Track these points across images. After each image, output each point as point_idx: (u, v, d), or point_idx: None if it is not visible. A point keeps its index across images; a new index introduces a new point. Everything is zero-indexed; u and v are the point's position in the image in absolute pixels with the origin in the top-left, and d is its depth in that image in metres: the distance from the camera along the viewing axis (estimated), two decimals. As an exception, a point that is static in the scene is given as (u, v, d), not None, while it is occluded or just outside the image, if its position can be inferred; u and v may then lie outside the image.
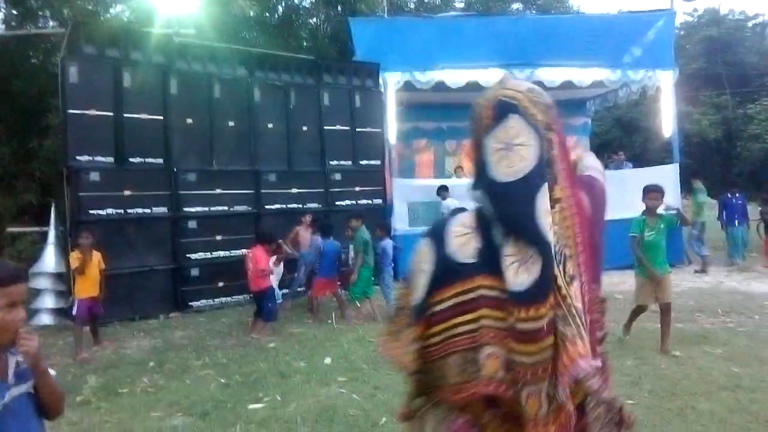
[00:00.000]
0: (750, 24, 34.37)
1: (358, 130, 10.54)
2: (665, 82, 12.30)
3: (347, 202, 10.24)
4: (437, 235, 1.43)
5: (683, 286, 9.06)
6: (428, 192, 10.86)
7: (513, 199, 1.33)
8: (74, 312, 6.42)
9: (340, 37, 15.46)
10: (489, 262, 1.32)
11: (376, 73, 10.91)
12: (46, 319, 7.80)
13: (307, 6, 18.95)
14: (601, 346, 1.43)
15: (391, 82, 11.34)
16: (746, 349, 5.75)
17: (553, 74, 11.75)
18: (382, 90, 11.17)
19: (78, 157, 7.87)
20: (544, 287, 1.27)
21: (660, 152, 16.51)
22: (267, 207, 9.42)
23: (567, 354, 1.25)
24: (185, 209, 8.67)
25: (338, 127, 10.33)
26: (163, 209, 8.49)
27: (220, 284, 8.79)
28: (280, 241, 7.96)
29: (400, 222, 10.82)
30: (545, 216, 1.30)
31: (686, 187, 12.15)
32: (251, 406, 4.65)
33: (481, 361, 1.30)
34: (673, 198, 9.71)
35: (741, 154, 28.33)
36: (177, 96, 8.72)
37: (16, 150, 11.80)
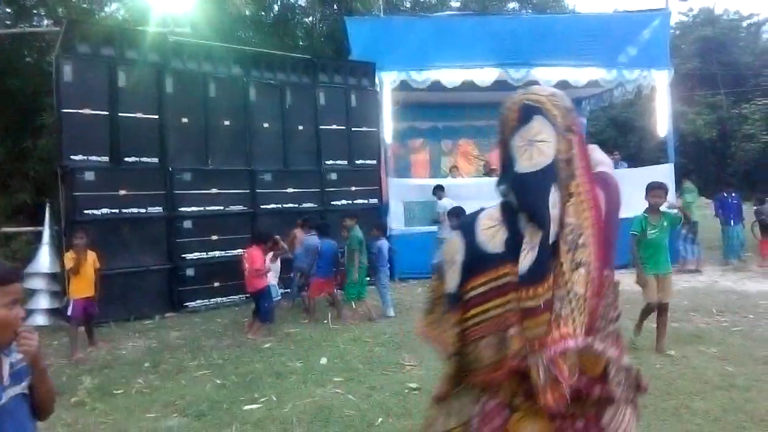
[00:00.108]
0: (744, 24, 34.51)
1: (353, 129, 10.54)
2: (660, 82, 12.32)
3: (343, 201, 10.23)
4: (467, 228, 1.59)
5: (678, 285, 9.06)
6: (424, 191, 10.86)
7: (531, 188, 1.49)
8: (69, 312, 6.40)
9: (336, 36, 15.45)
10: (515, 251, 1.47)
11: (372, 72, 10.90)
12: (40, 319, 7.76)
13: (302, 5, 18.91)
14: (617, 323, 1.57)
15: (387, 81, 11.34)
16: (741, 349, 5.78)
17: (549, 74, 11.76)
18: (378, 89, 11.16)
19: (73, 157, 7.84)
20: (541, 270, 1.43)
21: (655, 152, 16.55)
22: (263, 207, 9.41)
23: (558, 331, 1.39)
24: (180, 209, 8.65)
25: (334, 126, 10.33)
26: (158, 209, 8.47)
27: (216, 284, 8.77)
28: (276, 237, 7.93)
29: (396, 222, 10.83)
30: (554, 206, 1.46)
31: (681, 187, 12.18)
32: (247, 407, 4.65)
33: (509, 339, 1.46)
34: (668, 197, 9.72)
35: (735, 154, 28.45)
36: (172, 95, 8.70)
37: (10, 149, 11.74)
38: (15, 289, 1.84)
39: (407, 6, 20.69)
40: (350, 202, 10.28)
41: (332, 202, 10.16)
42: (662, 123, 12.57)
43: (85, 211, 7.81)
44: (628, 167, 13.81)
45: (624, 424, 1.55)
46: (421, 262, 10.18)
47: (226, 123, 9.24)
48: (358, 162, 10.59)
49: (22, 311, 1.87)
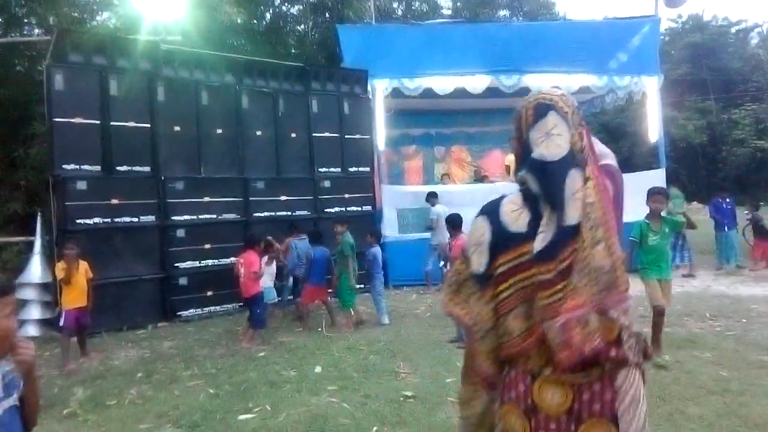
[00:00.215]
0: (733, 30, 34.83)
1: (346, 136, 10.54)
2: (651, 88, 12.42)
3: (336, 209, 10.22)
4: (492, 212, 1.77)
5: (672, 290, 9.09)
6: (417, 198, 10.88)
7: (551, 174, 1.67)
8: (61, 323, 6.35)
9: (328, 43, 15.49)
10: (537, 231, 1.66)
11: (364, 79, 10.92)
12: (32, 330, 7.69)
13: (294, 13, 18.98)
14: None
15: (380, 88, 11.37)
16: (734, 353, 5.79)
17: (540, 80, 11.77)
18: (371, 96, 11.19)
19: (64, 166, 7.80)
20: (554, 249, 1.61)
21: (646, 157, 16.65)
22: (255, 215, 9.38)
23: (572, 301, 1.59)
24: (173, 218, 8.62)
25: (327, 133, 10.33)
26: (150, 218, 8.43)
27: (209, 293, 8.73)
28: (270, 238, 7.90)
29: (389, 228, 10.82)
30: (572, 191, 1.64)
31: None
32: (241, 417, 4.61)
33: (535, 309, 1.65)
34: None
35: (726, 159, 28.66)
36: (164, 103, 8.68)
37: (1, 159, 11.67)
38: (12, 299, 1.85)
39: (399, 14, 20.81)
40: (344, 209, 10.27)
41: (326, 210, 10.15)
42: (653, 128, 12.65)
43: (77, 221, 7.76)
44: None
45: (635, 385, 1.73)
46: (415, 269, 10.22)
47: (219, 131, 9.22)
48: (351, 169, 10.60)
49: (16, 322, 1.88)
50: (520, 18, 26.33)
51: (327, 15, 18.01)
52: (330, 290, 8.03)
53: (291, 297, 8.52)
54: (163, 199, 8.54)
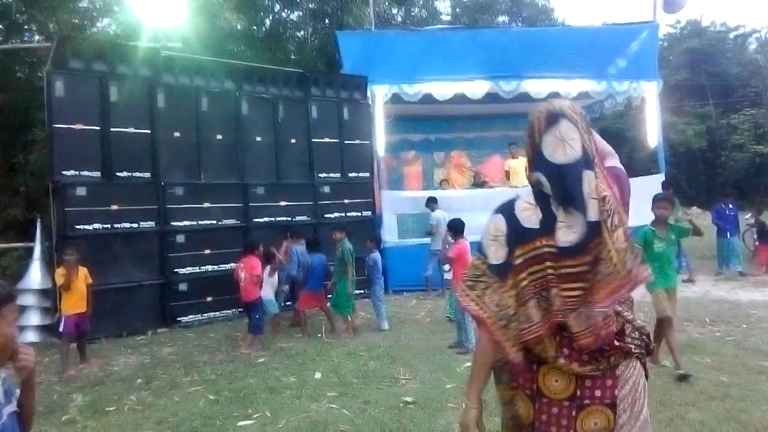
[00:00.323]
0: (731, 35, 34.90)
1: (346, 142, 10.56)
2: (650, 93, 12.45)
3: (336, 214, 10.23)
4: (507, 210, 1.92)
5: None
6: (417, 204, 10.88)
7: (567, 177, 1.81)
8: (61, 328, 6.35)
9: (328, 50, 15.54)
10: (548, 227, 1.81)
11: (363, 85, 10.95)
12: (31, 336, 7.68)
13: (294, 19, 19.04)
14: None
15: (379, 94, 11.40)
16: (734, 359, 5.79)
17: (540, 86, 11.87)
18: (370, 102, 11.22)
19: (64, 172, 7.81)
20: (584, 244, 1.75)
21: (646, 162, 16.65)
22: (255, 220, 9.39)
23: (605, 288, 1.74)
24: (173, 223, 8.62)
25: (326, 139, 10.35)
26: (150, 224, 8.43)
27: (209, 299, 8.73)
28: (273, 249, 7.92)
29: (389, 234, 10.82)
30: (589, 190, 1.78)
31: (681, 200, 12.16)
32: (241, 423, 4.61)
33: (551, 298, 1.79)
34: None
35: (725, 164, 28.69)
36: (164, 109, 8.69)
37: (1, 164, 11.68)
38: (15, 307, 1.87)
39: (398, 20, 20.85)
40: (343, 214, 10.28)
41: (325, 215, 10.16)
42: (652, 134, 12.68)
43: (77, 227, 7.77)
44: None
45: (635, 375, 1.88)
46: (415, 275, 10.21)
47: (219, 137, 9.24)
48: (351, 175, 10.61)
49: (17, 328, 1.89)
50: (519, 24, 26.39)
51: (326, 21, 18.08)
52: (329, 296, 8.00)
53: (288, 303, 8.48)
54: (162, 204, 8.54)
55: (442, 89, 11.70)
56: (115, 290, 7.92)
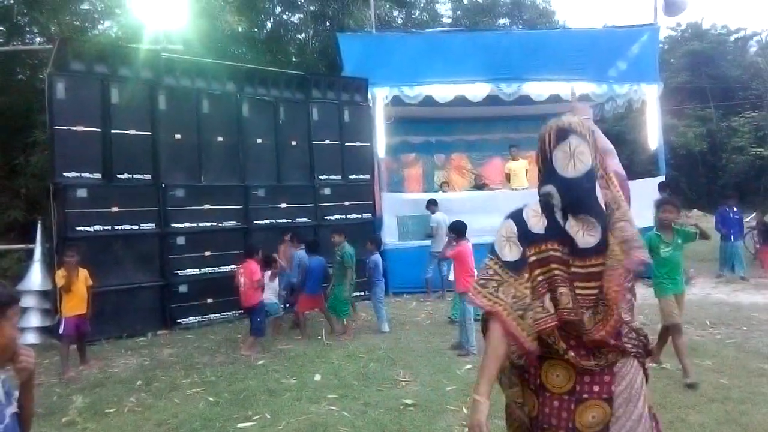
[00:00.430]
0: (732, 38, 34.89)
1: (347, 144, 10.57)
2: (650, 96, 12.44)
3: (337, 216, 10.23)
4: (517, 216, 2.09)
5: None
6: (417, 206, 10.87)
7: (580, 188, 1.99)
8: (61, 330, 6.35)
9: (329, 52, 15.56)
10: (554, 233, 2.00)
11: (364, 88, 10.96)
12: (31, 338, 7.67)
13: (295, 21, 19.08)
14: (631, 292, 2.07)
15: (380, 96, 11.40)
16: (735, 361, 5.78)
17: (540, 88, 11.87)
18: (371, 105, 11.22)
19: (65, 174, 7.82)
20: (603, 245, 1.96)
21: (646, 164, 16.62)
22: (256, 222, 9.40)
23: (614, 280, 1.94)
24: (173, 225, 8.62)
25: (327, 141, 10.35)
26: (151, 225, 8.43)
27: (209, 301, 8.73)
28: (274, 255, 7.92)
29: (389, 236, 10.81)
30: (601, 197, 2.00)
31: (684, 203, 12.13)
32: (241, 425, 4.61)
33: (558, 298, 1.97)
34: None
35: (726, 166, 28.65)
36: (165, 111, 8.70)
37: (2, 166, 11.70)
38: (18, 309, 1.88)
39: (399, 22, 20.89)
40: (344, 216, 10.29)
41: (326, 217, 10.16)
42: (653, 136, 12.67)
43: (78, 228, 7.77)
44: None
45: (631, 372, 2.03)
46: (415, 277, 10.20)
47: (220, 139, 9.25)
48: (351, 177, 10.61)
49: (18, 330, 1.90)
50: (520, 26, 26.43)
51: (327, 24, 18.11)
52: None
53: (287, 305, 8.45)
54: (163, 206, 8.55)
55: (443, 91, 11.70)
56: (116, 292, 7.92)
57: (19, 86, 12.37)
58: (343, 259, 7.63)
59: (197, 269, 8.75)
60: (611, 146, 2.28)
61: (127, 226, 8.20)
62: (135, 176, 8.38)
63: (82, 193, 7.86)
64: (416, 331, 7.75)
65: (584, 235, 1.96)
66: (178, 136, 8.80)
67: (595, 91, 12.28)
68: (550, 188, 2.05)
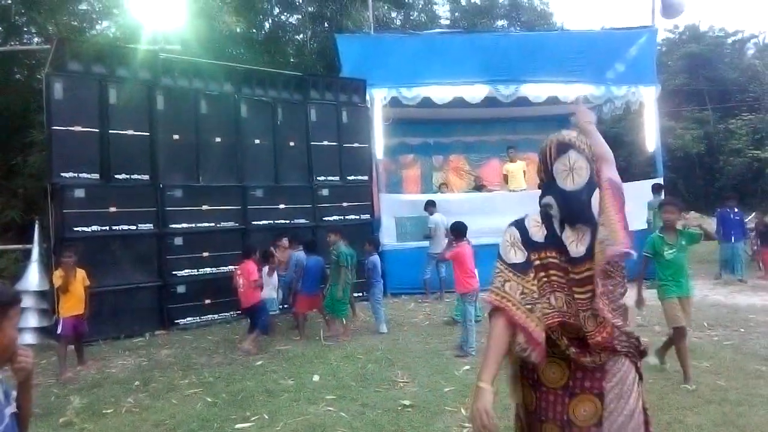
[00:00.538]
0: (729, 41, 34.93)
1: (345, 145, 10.57)
2: (648, 98, 12.47)
3: (335, 217, 10.23)
4: (519, 224, 2.24)
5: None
6: (415, 207, 10.89)
7: (577, 201, 2.14)
8: (58, 331, 6.33)
9: (327, 53, 15.55)
10: (553, 242, 2.15)
11: (362, 89, 10.96)
12: (29, 338, 7.65)
13: (293, 22, 19.07)
14: (623, 299, 2.18)
15: (378, 97, 11.41)
16: (732, 363, 5.79)
17: (538, 90, 11.90)
18: (369, 106, 11.22)
19: (63, 174, 7.80)
20: (590, 251, 2.10)
21: (644, 166, 16.65)
22: (254, 223, 9.39)
23: (595, 288, 2.07)
24: (171, 225, 8.61)
25: (325, 142, 10.36)
26: (148, 226, 8.42)
27: (207, 301, 8.72)
28: (271, 248, 7.89)
29: (387, 237, 10.83)
30: (596, 209, 2.13)
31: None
32: (238, 426, 4.60)
33: (553, 301, 2.11)
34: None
35: (723, 168, 28.69)
36: (163, 112, 8.69)
37: (-1, 166, 11.68)
38: (19, 309, 1.89)
39: (397, 23, 20.90)
40: (342, 217, 10.29)
41: (324, 218, 10.15)
42: (650, 138, 12.70)
43: (75, 229, 7.76)
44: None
45: (622, 369, 2.13)
46: (413, 278, 10.21)
47: (218, 140, 9.24)
48: (349, 178, 10.62)
49: (17, 331, 1.90)
50: (518, 28, 26.48)
51: (326, 25, 18.09)
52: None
53: (284, 306, 8.44)
54: (161, 207, 8.54)
55: (441, 93, 11.72)
56: (113, 292, 7.91)
57: (16, 86, 12.35)
58: (338, 258, 7.62)
59: (195, 270, 8.74)
60: (610, 155, 2.34)
61: (125, 227, 8.18)
62: (133, 176, 8.37)
63: (79, 193, 7.85)
64: (414, 332, 7.75)
65: (577, 246, 2.12)
66: (176, 137, 8.79)
67: (592, 93, 12.32)
68: (549, 199, 2.19)
